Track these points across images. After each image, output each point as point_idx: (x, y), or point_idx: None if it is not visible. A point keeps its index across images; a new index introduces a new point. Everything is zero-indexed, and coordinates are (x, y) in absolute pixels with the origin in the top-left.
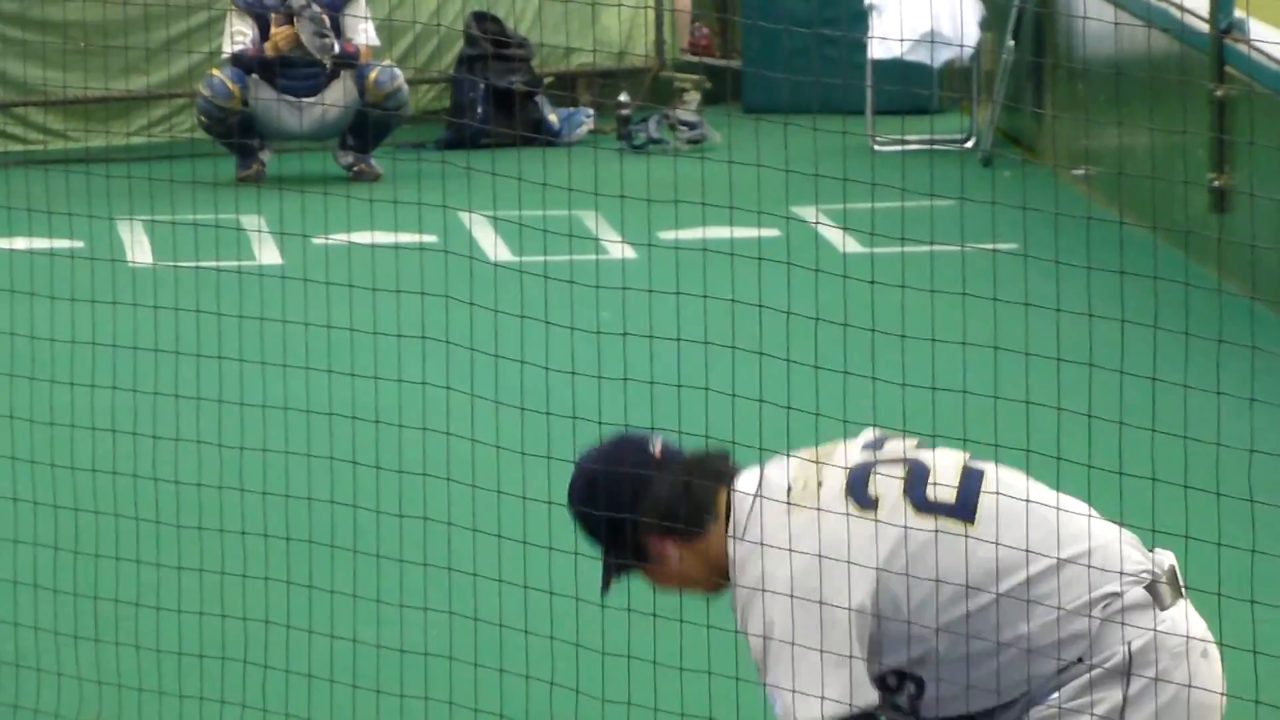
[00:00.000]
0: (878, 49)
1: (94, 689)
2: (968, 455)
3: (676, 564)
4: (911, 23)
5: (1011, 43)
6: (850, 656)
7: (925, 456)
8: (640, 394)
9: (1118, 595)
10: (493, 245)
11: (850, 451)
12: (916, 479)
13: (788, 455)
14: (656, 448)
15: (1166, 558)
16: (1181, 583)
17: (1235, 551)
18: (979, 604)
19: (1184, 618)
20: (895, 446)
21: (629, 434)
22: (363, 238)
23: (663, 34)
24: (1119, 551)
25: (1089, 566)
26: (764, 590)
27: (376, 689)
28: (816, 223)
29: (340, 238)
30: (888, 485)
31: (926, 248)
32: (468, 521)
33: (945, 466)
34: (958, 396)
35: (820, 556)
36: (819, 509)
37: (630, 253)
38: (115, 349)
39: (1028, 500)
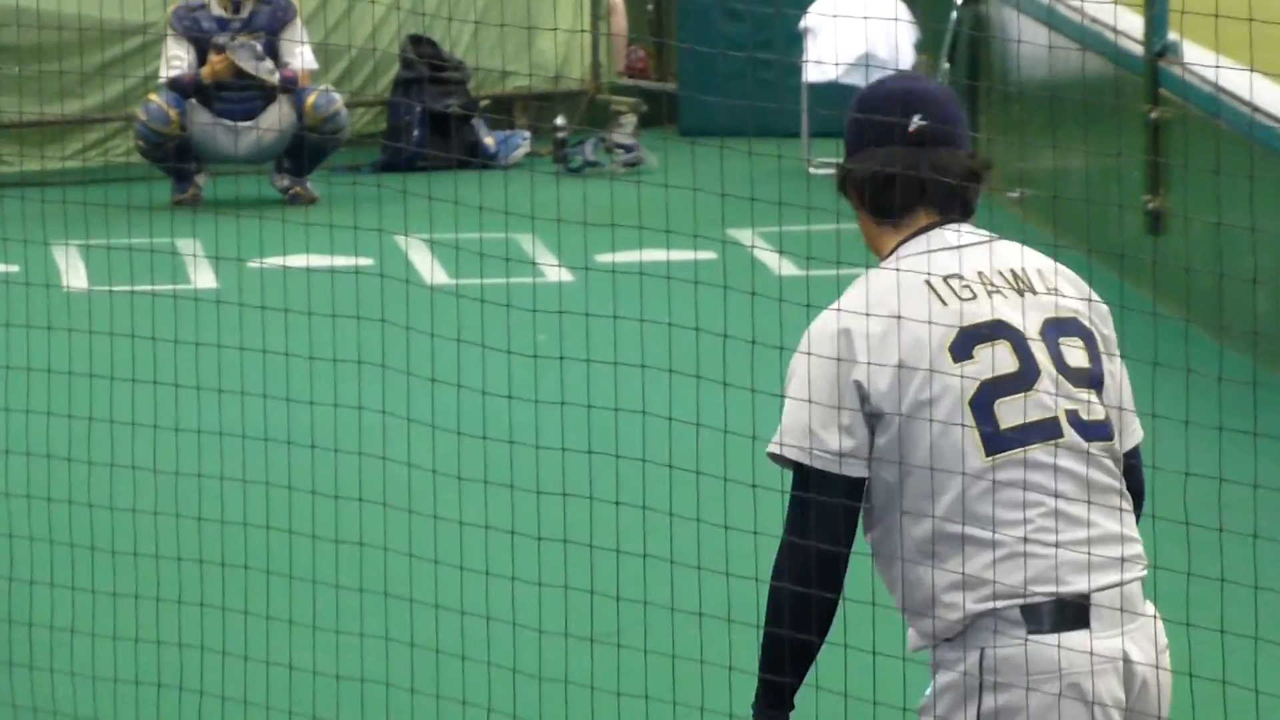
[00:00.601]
0: (813, 72)
1: (29, 715)
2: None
3: (864, 222)
4: (846, 46)
5: (947, 65)
6: (838, 412)
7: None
8: (577, 417)
9: (992, 603)
10: (429, 268)
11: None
12: (998, 384)
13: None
14: (916, 122)
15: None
16: (1122, 608)
17: (1170, 574)
18: (919, 490)
19: (1079, 646)
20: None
21: (918, 88)
22: (298, 261)
23: (599, 57)
24: (1023, 563)
25: (994, 562)
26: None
27: (313, 715)
28: (752, 245)
29: (276, 261)
30: (985, 354)
31: (861, 270)
32: (404, 547)
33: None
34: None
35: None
36: (900, 318)
37: (567, 275)
38: (50, 374)
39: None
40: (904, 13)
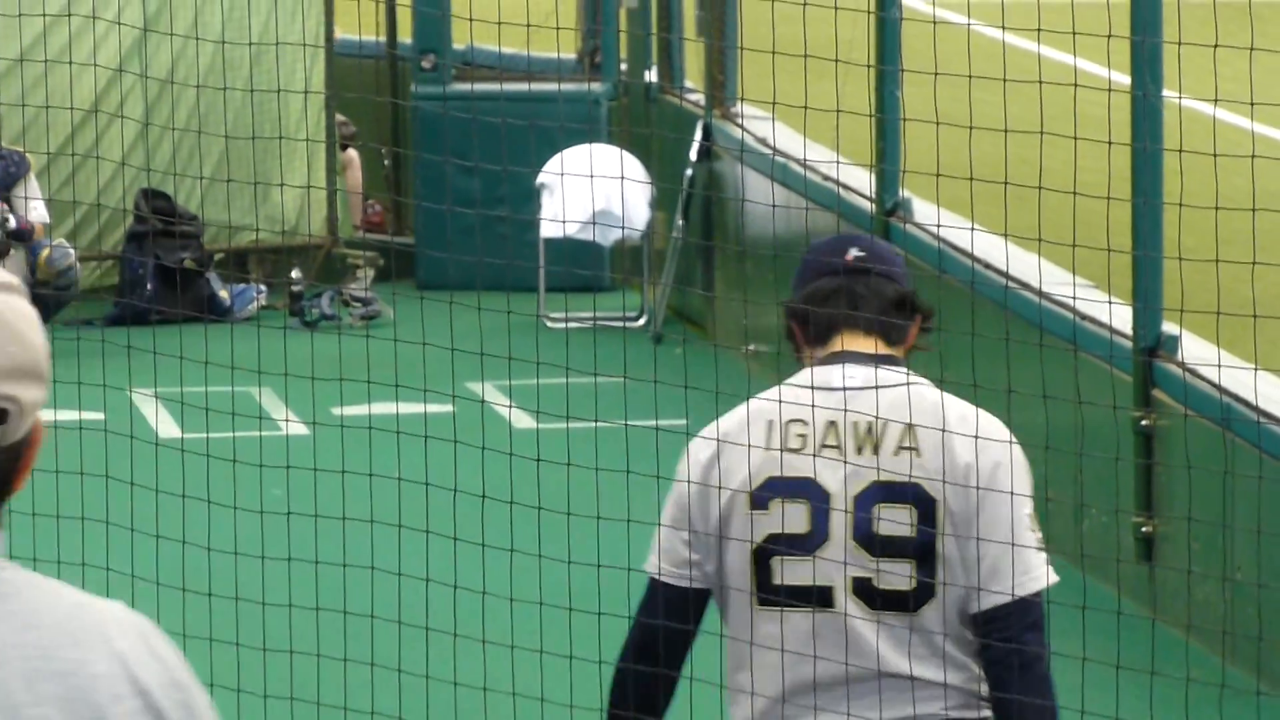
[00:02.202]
0: (548, 228)
1: None
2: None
3: (802, 356)
4: (582, 202)
5: (681, 222)
6: (664, 526)
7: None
8: (305, 573)
9: None
10: (160, 423)
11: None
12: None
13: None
14: (851, 254)
15: None
16: None
17: None
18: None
19: None
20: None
21: (855, 235)
22: None
23: (335, 211)
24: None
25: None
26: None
27: None
28: (483, 400)
29: None
30: (779, 510)
31: (592, 424)
32: None
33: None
34: (623, 574)
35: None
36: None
37: (301, 429)
38: None
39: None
40: (639, 171)
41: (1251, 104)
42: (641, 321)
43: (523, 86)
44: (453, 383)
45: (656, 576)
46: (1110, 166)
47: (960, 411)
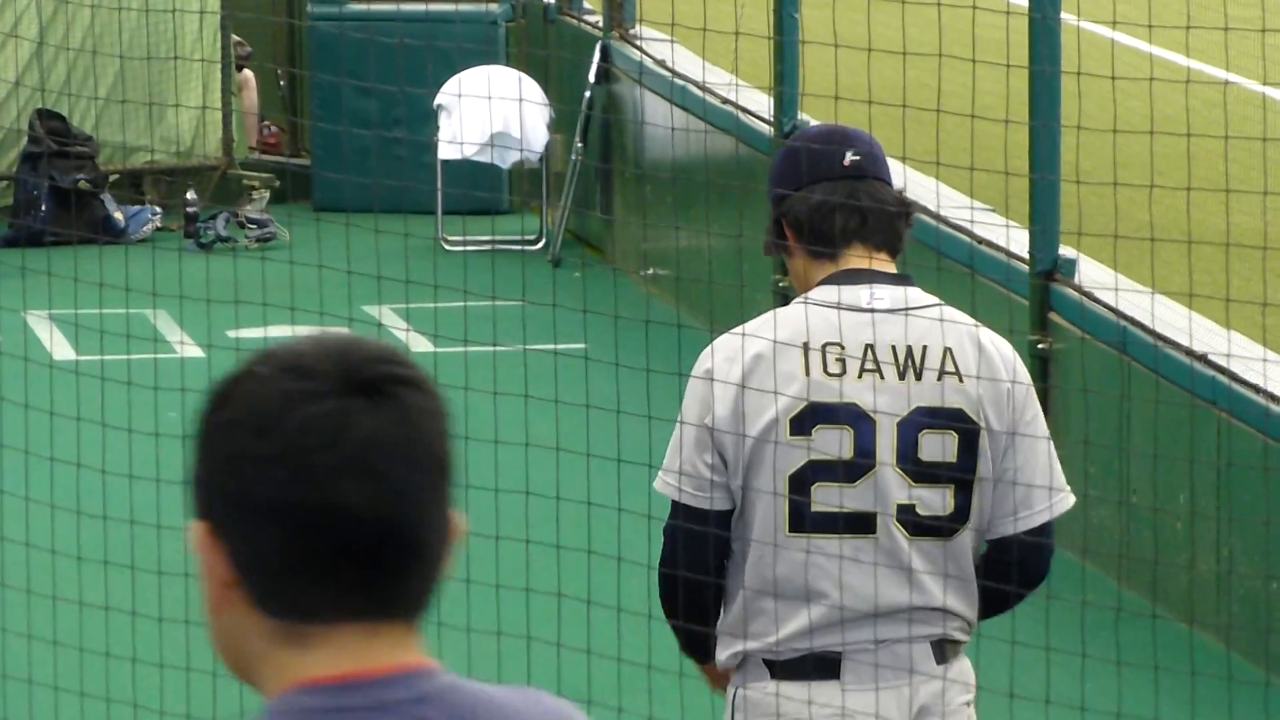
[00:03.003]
0: (445, 150)
1: None
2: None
3: (797, 266)
4: (479, 125)
5: (580, 145)
6: (685, 443)
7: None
8: None
9: (743, 647)
10: (55, 344)
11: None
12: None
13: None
14: (849, 157)
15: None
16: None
17: None
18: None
19: (824, 697)
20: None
21: (846, 129)
22: None
23: (231, 132)
24: (782, 614)
25: (777, 598)
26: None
27: None
28: (379, 323)
29: None
30: (822, 436)
31: (490, 348)
32: (22, 628)
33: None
34: (521, 498)
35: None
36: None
37: (196, 351)
38: None
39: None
40: (536, 93)
41: (1150, 26)
42: (540, 245)
43: (420, 7)
44: (349, 305)
45: (677, 500)
46: (1009, 90)
47: (990, 335)
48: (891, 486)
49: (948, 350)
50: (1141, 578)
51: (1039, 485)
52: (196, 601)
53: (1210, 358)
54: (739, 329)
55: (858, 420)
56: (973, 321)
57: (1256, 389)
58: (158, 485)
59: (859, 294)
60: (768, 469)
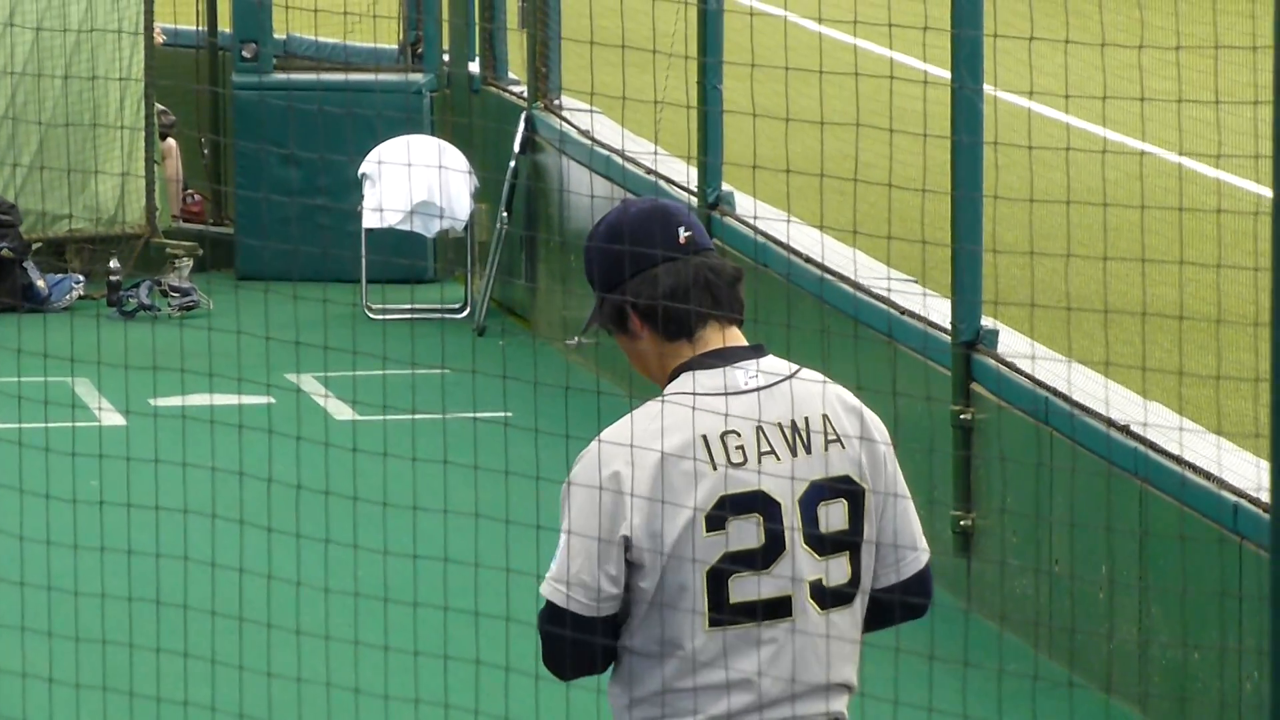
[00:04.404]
0: (370, 218)
1: None
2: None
3: (645, 349)
4: (404, 193)
5: (505, 214)
6: (597, 543)
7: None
8: (119, 564)
9: None
10: None
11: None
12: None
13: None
14: (683, 234)
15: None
16: None
17: None
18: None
19: None
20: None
21: (668, 204)
22: None
23: (154, 201)
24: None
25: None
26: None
27: None
28: (298, 390)
29: None
30: (734, 527)
31: (410, 416)
32: None
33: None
34: (438, 564)
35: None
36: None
37: (117, 419)
38: None
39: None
40: (461, 162)
41: (1066, 97)
42: (464, 313)
43: (344, 77)
44: (268, 373)
45: (564, 607)
46: (929, 161)
47: (847, 393)
48: (803, 566)
49: (825, 417)
50: (1060, 646)
51: (916, 546)
52: (115, 669)
53: (1129, 427)
54: (624, 432)
55: (765, 505)
56: (824, 378)
57: (1174, 458)
58: (75, 552)
59: (735, 376)
60: (686, 567)
